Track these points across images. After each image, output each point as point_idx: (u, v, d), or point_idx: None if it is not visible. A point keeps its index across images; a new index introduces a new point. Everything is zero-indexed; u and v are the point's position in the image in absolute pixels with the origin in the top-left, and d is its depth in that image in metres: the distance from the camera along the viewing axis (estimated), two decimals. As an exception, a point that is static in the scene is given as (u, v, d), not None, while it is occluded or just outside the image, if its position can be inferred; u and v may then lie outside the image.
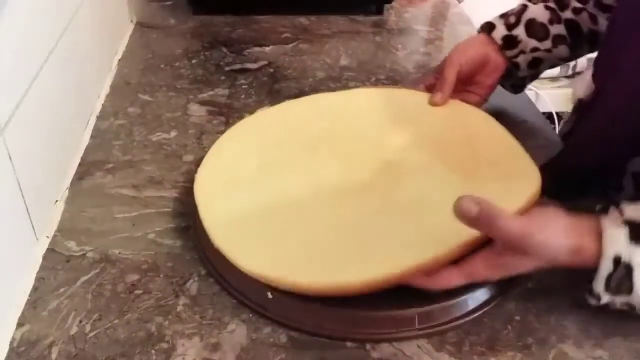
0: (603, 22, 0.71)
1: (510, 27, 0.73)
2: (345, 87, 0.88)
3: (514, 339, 0.52)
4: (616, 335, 0.51)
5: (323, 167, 0.63)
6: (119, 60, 0.94)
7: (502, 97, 0.79)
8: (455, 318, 0.53)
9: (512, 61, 0.74)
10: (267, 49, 0.99)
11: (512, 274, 0.52)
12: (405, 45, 1.02)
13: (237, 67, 0.93)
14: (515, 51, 0.73)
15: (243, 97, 0.85)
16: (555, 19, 0.72)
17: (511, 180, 0.59)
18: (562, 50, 0.73)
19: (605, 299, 0.49)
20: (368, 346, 0.51)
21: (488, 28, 0.74)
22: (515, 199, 0.55)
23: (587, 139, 0.65)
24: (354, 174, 0.62)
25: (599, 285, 0.49)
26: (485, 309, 0.53)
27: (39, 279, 0.56)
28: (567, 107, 1.68)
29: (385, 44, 1.02)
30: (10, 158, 0.54)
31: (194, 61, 0.94)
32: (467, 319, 0.53)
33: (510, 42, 0.73)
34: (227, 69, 0.92)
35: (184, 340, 0.51)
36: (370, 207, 0.58)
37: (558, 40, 0.72)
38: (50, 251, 0.59)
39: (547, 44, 0.72)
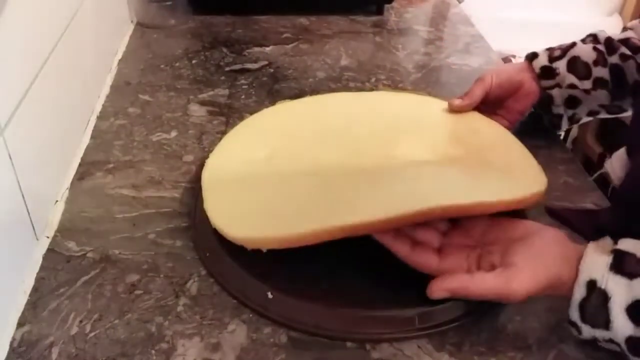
0: None
1: (552, 59, 0.72)
2: (346, 87, 0.89)
3: (514, 338, 0.52)
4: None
5: (328, 158, 0.63)
6: (119, 60, 0.94)
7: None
8: (455, 318, 0.53)
9: (547, 92, 0.73)
10: (267, 49, 0.99)
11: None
12: (405, 45, 1.02)
13: (237, 67, 0.93)
14: (551, 82, 0.72)
15: (243, 97, 0.85)
16: (600, 61, 0.70)
17: (517, 178, 0.59)
18: (602, 94, 0.71)
19: (585, 331, 0.47)
20: (368, 346, 0.51)
21: (531, 56, 0.73)
22: (517, 191, 0.56)
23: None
24: (359, 170, 0.61)
25: (574, 313, 0.47)
26: (485, 309, 0.53)
27: (39, 279, 0.56)
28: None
29: (385, 44, 1.02)
30: (10, 158, 0.54)
31: (194, 61, 0.94)
32: (467, 319, 0.53)
33: (548, 72, 0.72)
34: (227, 69, 0.92)
35: (184, 340, 0.51)
36: (364, 165, 0.59)
37: (599, 83, 0.70)
38: (50, 251, 0.59)
39: (587, 84, 0.71)
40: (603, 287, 0.45)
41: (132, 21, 1.05)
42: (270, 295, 0.53)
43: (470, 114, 0.71)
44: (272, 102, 0.82)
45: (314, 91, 0.87)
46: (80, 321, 0.52)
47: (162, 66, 0.92)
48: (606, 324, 0.45)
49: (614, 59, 0.70)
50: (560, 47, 0.73)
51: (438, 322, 0.52)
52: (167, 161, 0.72)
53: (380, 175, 0.58)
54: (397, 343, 0.52)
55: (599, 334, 0.46)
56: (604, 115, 0.75)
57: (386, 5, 1.12)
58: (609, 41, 0.71)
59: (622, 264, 0.46)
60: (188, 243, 0.60)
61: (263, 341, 0.51)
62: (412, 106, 0.73)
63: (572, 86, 0.71)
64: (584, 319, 0.47)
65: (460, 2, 1.22)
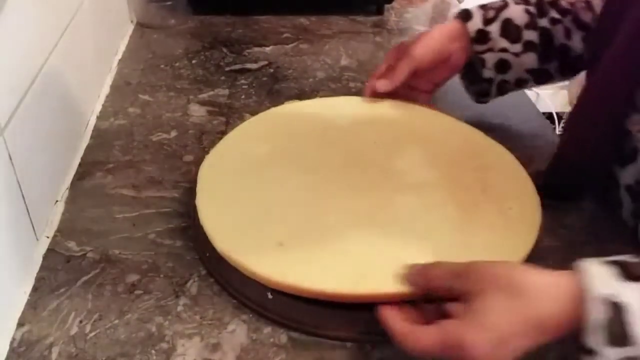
0: (576, 39, 0.70)
1: (486, 21, 0.70)
2: (345, 87, 0.89)
3: (513, 339, 0.52)
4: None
5: (327, 168, 0.63)
6: (119, 60, 0.94)
7: (502, 98, 0.79)
8: (455, 318, 0.52)
9: (478, 56, 0.71)
10: (267, 49, 0.99)
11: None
12: (405, 45, 1.02)
13: (237, 67, 0.93)
14: (484, 47, 0.71)
15: (243, 97, 0.85)
16: (531, 24, 0.70)
17: (507, 234, 0.56)
18: (530, 57, 0.70)
19: (607, 354, 0.39)
20: (368, 346, 0.51)
21: (464, 15, 0.71)
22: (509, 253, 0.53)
23: (580, 123, 0.62)
24: (355, 179, 0.62)
25: (592, 337, 0.39)
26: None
27: (39, 279, 0.56)
28: (566, 107, 1.69)
29: (385, 44, 1.02)
30: (10, 158, 0.54)
31: (194, 61, 0.94)
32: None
33: (482, 36, 0.71)
34: (227, 69, 0.92)
35: (184, 340, 0.51)
36: (359, 217, 0.58)
37: (528, 46, 0.70)
38: (50, 251, 0.59)
39: (517, 47, 0.70)
40: (619, 300, 0.38)
41: (132, 21, 1.05)
42: (270, 296, 0.53)
43: (472, 132, 0.70)
44: (272, 102, 0.83)
45: (314, 91, 0.87)
46: (80, 321, 0.52)
47: (162, 66, 0.92)
48: (630, 339, 0.38)
49: (543, 22, 0.70)
50: (493, 7, 0.71)
51: (438, 322, 0.52)
52: (167, 161, 0.72)
53: (365, 235, 0.56)
54: (397, 343, 0.52)
55: (624, 353, 0.39)
56: (532, 85, 0.75)
57: (386, 5, 1.12)
58: (540, 3, 0.71)
59: (629, 271, 0.40)
60: (188, 243, 0.60)
61: (263, 341, 0.51)
62: (419, 119, 0.72)
63: (503, 50, 0.71)
64: (606, 341, 0.39)
65: (460, 2, 1.21)
